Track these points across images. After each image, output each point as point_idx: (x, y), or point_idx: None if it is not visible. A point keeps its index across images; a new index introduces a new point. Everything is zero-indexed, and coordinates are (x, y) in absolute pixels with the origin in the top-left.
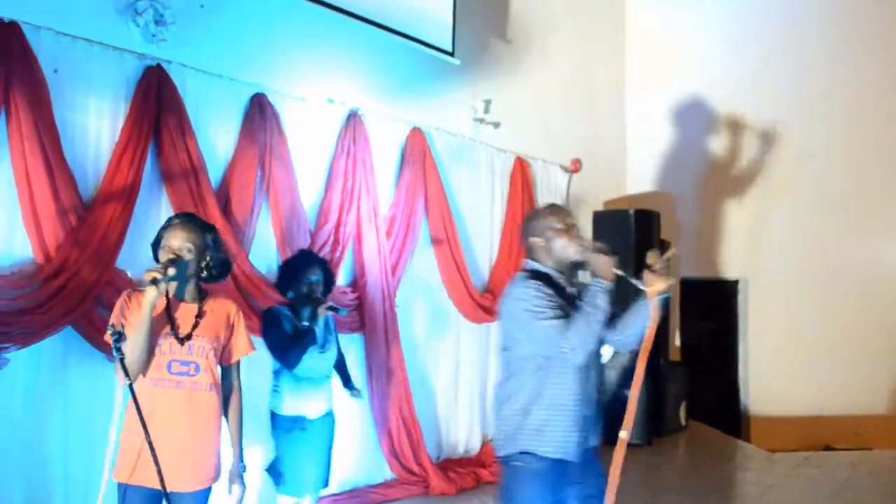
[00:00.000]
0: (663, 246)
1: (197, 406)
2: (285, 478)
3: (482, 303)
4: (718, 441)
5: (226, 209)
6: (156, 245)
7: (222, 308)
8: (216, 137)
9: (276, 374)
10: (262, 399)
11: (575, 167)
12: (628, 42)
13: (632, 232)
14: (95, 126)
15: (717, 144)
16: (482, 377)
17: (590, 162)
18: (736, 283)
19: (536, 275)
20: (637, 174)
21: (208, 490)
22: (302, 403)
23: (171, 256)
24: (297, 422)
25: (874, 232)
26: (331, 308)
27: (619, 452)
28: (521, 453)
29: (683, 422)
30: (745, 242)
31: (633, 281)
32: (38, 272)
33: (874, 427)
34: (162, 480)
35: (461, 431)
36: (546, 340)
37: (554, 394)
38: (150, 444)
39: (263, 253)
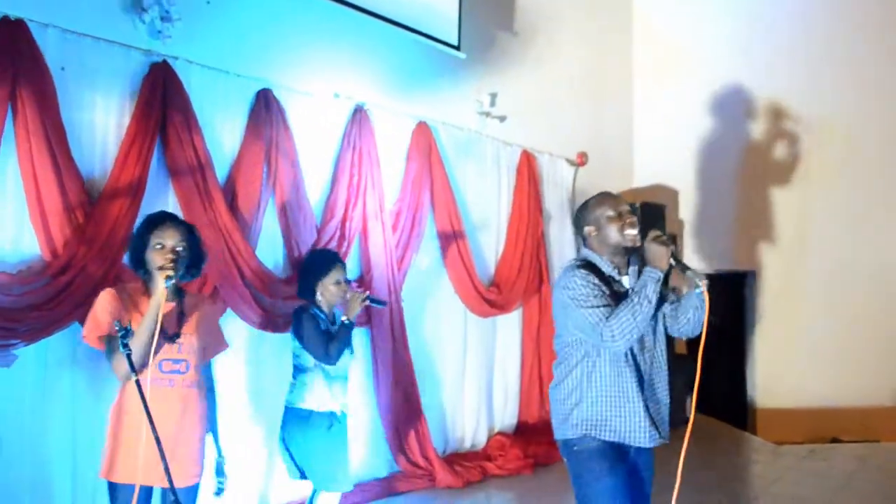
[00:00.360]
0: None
1: (188, 403)
2: (332, 474)
3: (488, 297)
4: (724, 433)
5: (232, 205)
6: (137, 245)
7: (201, 305)
8: (222, 133)
9: (307, 371)
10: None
11: (581, 160)
12: (635, 35)
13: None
14: (102, 123)
15: (723, 138)
16: (488, 371)
17: (596, 155)
18: (744, 275)
19: (586, 264)
20: (643, 167)
21: (198, 485)
22: (333, 400)
23: (172, 255)
24: (332, 417)
25: (883, 225)
26: (370, 300)
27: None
28: (581, 437)
29: (689, 414)
30: (752, 235)
31: (688, 272)
32: (45, 268)
33: (882, 419)
34: (170, 477)
35: (467, 425)
36: (588, 328)
37: (605, 381)
38: (157, 440)
39: (270, 248)
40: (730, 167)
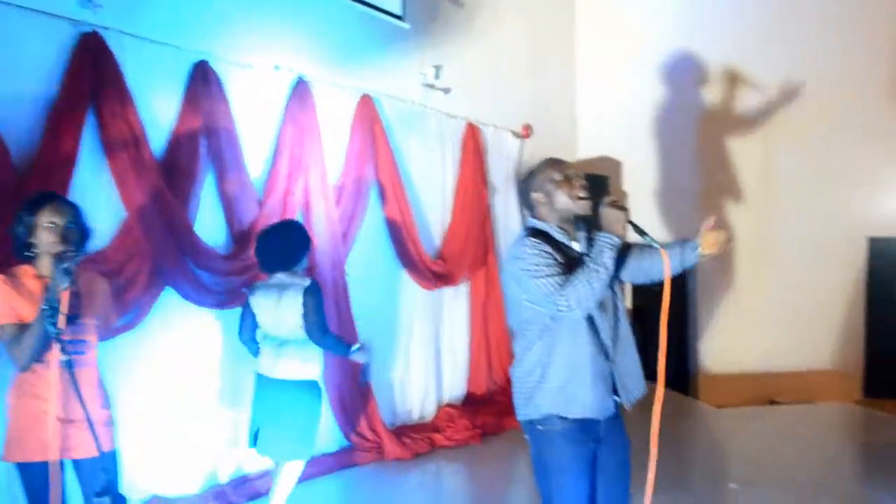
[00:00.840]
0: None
1: (88, 381)
2: (316, 442)
3: (434, 269)
4: (669, 399)
5: (169, 180)
6: (23, 227)
7: (94, 283)
8: (158, 107)
9: (311, 344)
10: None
11: (526, 133)
12: (578, 6)
13: None
14: (30, 96)
15: (667, 108)
16: (436, 343)
17: (541, 127)
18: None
19: (535, 233)
20: (587, 139)
21: (115, 450)
22: None
23: (64, 235)
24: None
25: (820, 192)
26: (366, 370)
27: (656, 415)
28: (546, 416)
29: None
30: (695, 205)
31: (646, 237)
32: None
33: (816, 381)
34: (99, 447)
35: (415, 397)
36: (543, 298)
37: (568, 353)
38: (87, 415)
39: (211, 224)
40: (673, 137)
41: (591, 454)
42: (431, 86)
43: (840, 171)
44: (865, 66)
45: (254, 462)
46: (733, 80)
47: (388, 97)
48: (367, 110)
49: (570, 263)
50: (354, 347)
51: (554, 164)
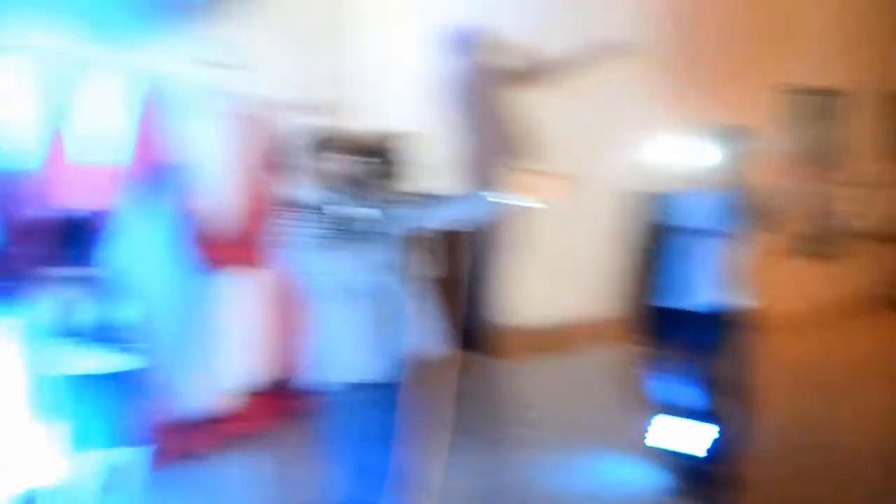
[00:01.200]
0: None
1: None
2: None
3: (225, 250)
4: (460, 357)
5: None
6: None
7: None
8: None
9: None
10: None
11: (320, 109)
12: None
13: None
14: None
15: (454, 76)
16: (231, 328)
17: (330, 102)
18: None
19: (310, 203)
20: (376, 112)
21: None
22: None
23: None
24: None
25: (600, 150)
26: None
27: (450, 371)
28: (331, 384)
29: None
30: (481, 165)
31: (427, 203)
32: None
33: (600, 330)
34: None
35: (214, 387)
36: (317, 268)
37: (346, 319)
38: None
39: None
40: (461, 103)
41: (377, 418)
42: (217, 64)
43: (621, 128)
44: (647, 27)
45: (43, 477)
46: (514, 43)
47: (170, 77)
48: (150, 92)
49: (346, 231)
50: (131, 346)
51: (320, 134)
